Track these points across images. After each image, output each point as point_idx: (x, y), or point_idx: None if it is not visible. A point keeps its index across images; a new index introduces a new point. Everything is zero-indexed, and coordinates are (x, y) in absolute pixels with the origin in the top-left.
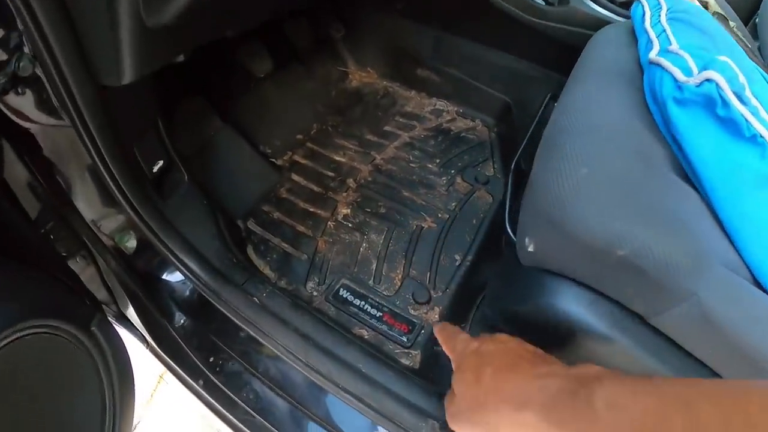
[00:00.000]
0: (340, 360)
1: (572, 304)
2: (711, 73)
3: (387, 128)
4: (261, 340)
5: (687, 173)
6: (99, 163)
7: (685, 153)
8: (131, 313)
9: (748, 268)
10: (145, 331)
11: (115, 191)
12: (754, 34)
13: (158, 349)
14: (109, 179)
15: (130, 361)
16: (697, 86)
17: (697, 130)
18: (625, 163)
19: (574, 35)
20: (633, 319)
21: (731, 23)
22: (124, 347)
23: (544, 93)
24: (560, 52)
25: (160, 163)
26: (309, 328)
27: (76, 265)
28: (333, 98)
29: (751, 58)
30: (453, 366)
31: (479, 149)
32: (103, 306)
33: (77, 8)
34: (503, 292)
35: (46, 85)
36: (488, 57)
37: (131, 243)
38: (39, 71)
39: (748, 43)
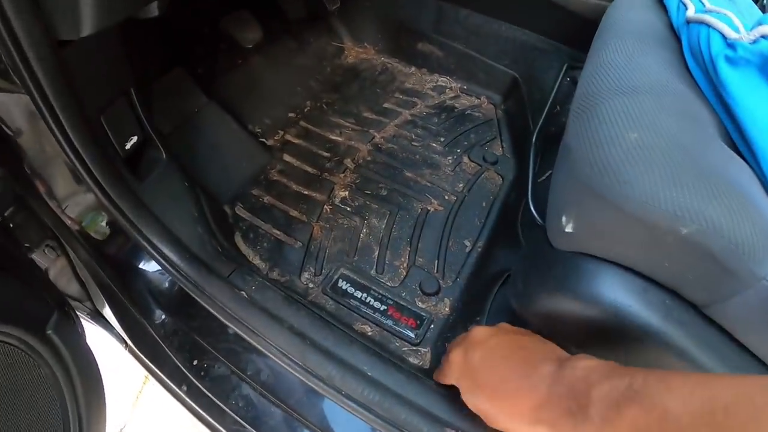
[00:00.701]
0: (342, 362)
1: (620, 293)
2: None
3: (386, 105)
4: (250, 340)
5: (735, 140)
6: (59, 136)
7: (737, 117)
8: (108, 311)
9: None
10: (121, 330)
11: (80, 169)
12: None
13: (137, 350)
14: (72, 155)
15: (97, 367)
16: (752, 43)
17: (752, 91)
18: (677, 126)
19: (588, 5)
20: (687, 309)
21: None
22: (89, 351)
23: (556, 67)
24: (572, 23)
25: (134, 139)
26: (305, 325)
27: (44, 257)
28: (328, 75)
29: None
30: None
31: (486, 128)
32: (77, 303)
33: None
34: (532, 281)
35: None
36: (494, 29)
37: (102, 229)
38: None
39: None
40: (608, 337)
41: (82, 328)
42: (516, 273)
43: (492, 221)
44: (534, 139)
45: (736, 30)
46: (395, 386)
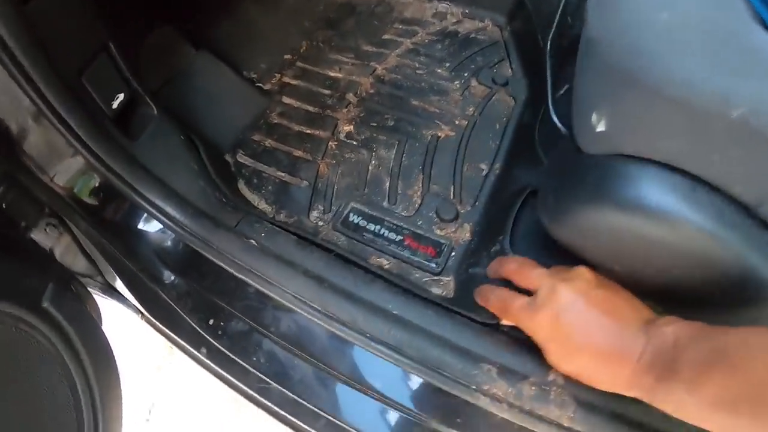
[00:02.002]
0: (364, 302)
1: (666, 195)
2: None
3: (386, 37)
4: (265, 290)
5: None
6: (36, 99)
7: None
8: (120, 283)
9: None
10: (134, 299)
11: (64, 131)
12: None
13: (152, 318)
14: (52, 117)
15: (105, 339)
16: None
17: None
18: (711, 6)
19: None
20: (738, 210)
21: None
22: (94, 321)
23: None
24: None
25: (120, 96)
26: (321, 267)
27: (46, 236)
28: (321, 12)
29: None
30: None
31: (493, 50)
32: (89, 279)
33: None
34: (563, 194)
35: None
36: None
37: (89, 199)
38: None
39: None
40: (654, 249)
41: (91, 301)
42: (544, 188)
43: (507, 143)
44: (548, 48)
45: None
46: (423, 322)
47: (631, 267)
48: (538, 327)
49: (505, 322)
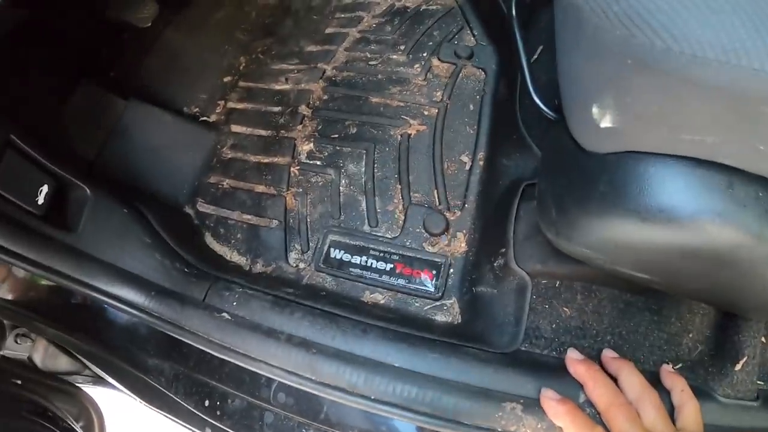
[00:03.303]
0: (361, 360)
1: (701, 197)
2: None
3: (329, 31)
4: (250, 367)
5: None
6: None
7: None
8: None
9: None
10: (124, 388)
11: None
12: None
13: (149, 404)
14: None
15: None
16: None
17: None
18: None
19: None
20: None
21: None
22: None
23: None
24: None
25: (44, 188)
26: (305, 329)
27: (20, 347)
28: (254, 19)
29: None
30: None
31: (449, 19)
32: (76, 375)
33: None
34: (569, 205)
35: None
36: None
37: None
38: None
39: None
40: (692, 259)
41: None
42: (543, 195)
43: (487, 125)
44: (513, 8)
45: None
46: (431, 369)
47: (664, 276)
48: None
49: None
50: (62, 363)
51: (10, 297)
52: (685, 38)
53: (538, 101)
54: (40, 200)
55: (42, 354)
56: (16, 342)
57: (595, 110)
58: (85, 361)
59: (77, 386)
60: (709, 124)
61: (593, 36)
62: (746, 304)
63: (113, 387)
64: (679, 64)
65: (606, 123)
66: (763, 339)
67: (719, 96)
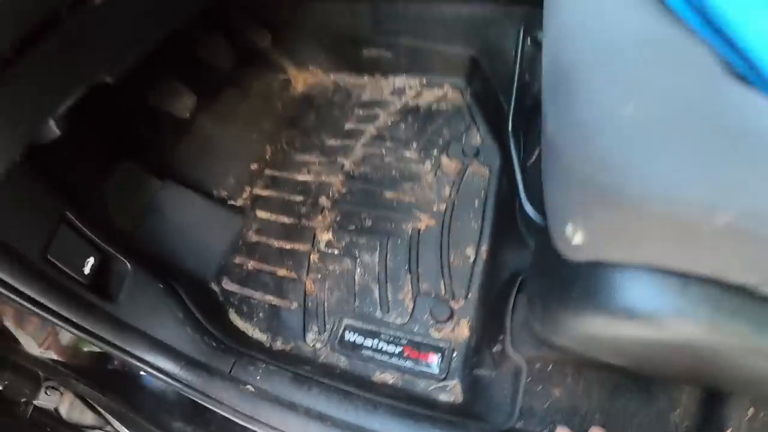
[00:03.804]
0: None
1: (657, 298)
2: None
3: (348, 127)
4: None
5: (744, 73)
6: (9, 294)
7: (739, 45)
8: None
9: None
10: None
11: (45, 315)
12: None
13: None
14: (30, 306)
15: None
16: None
17: (751, 6)
18: (677, 82)
19: None
20: (737, 294)
21: None
22: None
23: (512, 33)
24: None
25: (91, 260)
26: (322, 403)
27: (49, 399)
28: (280, 111)
29: None
30: None
31: (458, 118)
32: (99, 430)
33: None
34: (551, 303)
35: None
36: (437, 12)
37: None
38: None
39: None
40: (657, 349)
41: None
42: (531, 291)
43: (490, 220)
44: (510, 123)
45: None
46: None
47: (635, 363)
48: None
49: None
50: (87, 417)
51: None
52: (641, 179)
53: (527, 209)
54: (87, 270)
55: (68, 407)
56: (46, 393)
57: (568, 229)
58: (110, 418)
59: None
60: (661, 243)
61: (565, 169)
62: (723, 385)
63: None
64: (635, 201)
65: (577, 241)
66: (751, 410)
67: (667, 224)
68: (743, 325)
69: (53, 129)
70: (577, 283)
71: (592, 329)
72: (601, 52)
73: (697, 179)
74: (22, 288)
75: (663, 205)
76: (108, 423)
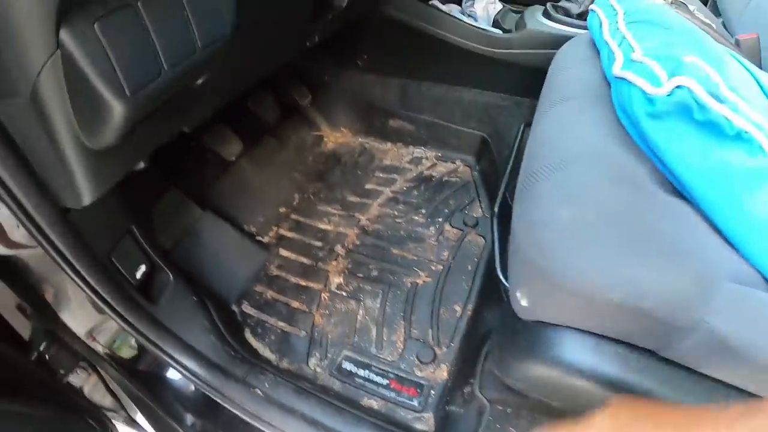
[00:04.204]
0: None
1: (576, 353)
2: (681, 79)
3: (368, 186)
4: None
5: (676, 187)
6: (77, 280)
7: (669, 167)
8: (141, 417)
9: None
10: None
11: (100, 304)
12: (715, 11)
13: None
14: (91, 293)
15: None
16: (669, 95)
17: (678, 140)
18: (609, 193)
19: (537, 57)
20: (644, 355)
21: (691, 7)
22: None
23: (519, 121)
24: (526, 76)
25: (143, 267)
26: (317, 413)
27: (78, 378)
28: (310, 164)
29: (719, 41)
30: None
31: (464, 191)
32: (113, 413)
33: (24, 140)
34: (506, 350)
35: (12, 213)
36: (457, 96)
37: (129, 351)
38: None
39: (712, 24)
40: (582, 394)
41: None
42: (494, 341)
43: (479, 283)
44: (497, 207)
45: (657, 82)
46: None
47: (571, 407)
48: None
49: None
50: (106, 401)
51: (102, 342)
52: (562, 263)
53: (500, 275)
54: (138, 275)
55: (91, 387)
56: (77, 371)
57: (518, 294)
58: (128, 403)
59: (113, 422)
60: (576, 311)
61: (519, 251)
62: None
63: (142, 430)
64: (556, 279)
65: (524, 303)
66: None
67: (580, 299)
68: (648, 382)
69: (142, 163)
70: (524, 336)
71: (533, 373)
72: (554, 163)
73: (601, 268)
74: (88, 278)
75: (576, 284)
76: (123, 408)
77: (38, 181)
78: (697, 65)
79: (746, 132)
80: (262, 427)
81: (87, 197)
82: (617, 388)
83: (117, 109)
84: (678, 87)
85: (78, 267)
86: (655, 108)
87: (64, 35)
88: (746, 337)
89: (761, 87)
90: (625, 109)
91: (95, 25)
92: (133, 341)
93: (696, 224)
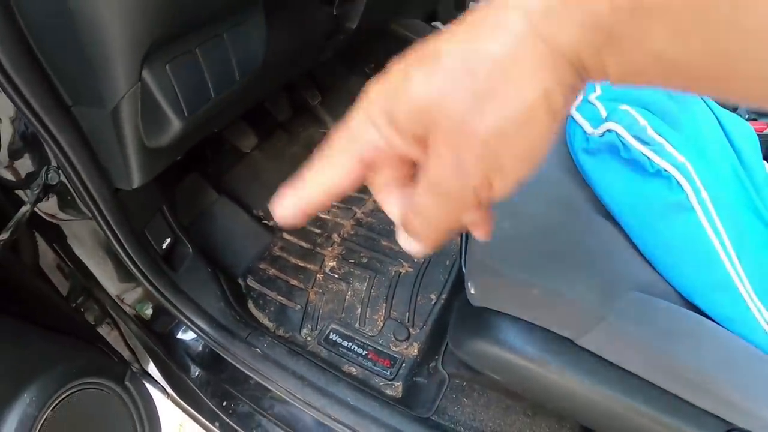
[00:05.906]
0: (332, 395)
1: (511, 335)
2: (611, 124)
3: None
4: (265, 384)
5: (607, 211)
6: (118, 248)
7: (599, 194)
8: (152, 368)
9: (669, 283)
10: (165, 383)
11: (133, 269)
12: None
13: (178, 398)
14: (127, 260)
15: (157, 410)
16: (601, 136)
17: (607, 173)
18: (546, 211)
19: None
20: (563, 341)
21: None
22: (152, 399)
23: None
24: None
25: (168, 240)
26: (304, 370)
27: (102, 330)
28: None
29: None
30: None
31: None
32: (129, 364)
33: (96, 138)
34: (458, 329)
35: (71, 190)
36: None
37: (149, 311)
38: (64, 179)
39: None
40: (512, 369)
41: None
42: (452, 322)
43: (453, 276)
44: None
45: (598, 122)
46: (372, 411)
47: (503, 376)
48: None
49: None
50: (124, 353)
51: (129, 303)
52: (501, 262)
53: (463, 267)
54: (164, 246)
55: (112, 341)
56: (102, 326)
57: (470, 284)
58: (143, 356)
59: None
60: (512, 301)
61: (472, 251)
62: (586, 423)
63: (152, 382)
64: (501, 274)
65: (473, 291)
66: None
67: (512, 290)
68: (563, 362)
69: (179, 157)
70: (472, 318)
71: (478, 348)
72: None
73: (529, 270)
74: (126, 246)
75: (510, 280)
76: (137, 361)
77: (101, 167)
78: (627, 113)
79: (665, 170)
80: (259, 379)
81: (137, 182)
82: (540, 364)
83: (176, 125)
84: (608, 131)
85: (120, 236)
86: (589, 146)
87: (146, 74)
88: (641, 335)
89: (723, 128)
90: (570, 144)
91: (167, 66)
92: (149, 309)
93: (617, 243)
